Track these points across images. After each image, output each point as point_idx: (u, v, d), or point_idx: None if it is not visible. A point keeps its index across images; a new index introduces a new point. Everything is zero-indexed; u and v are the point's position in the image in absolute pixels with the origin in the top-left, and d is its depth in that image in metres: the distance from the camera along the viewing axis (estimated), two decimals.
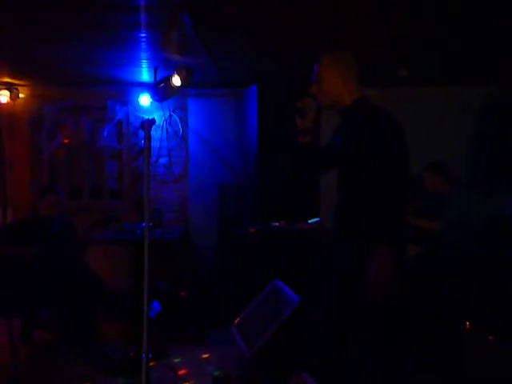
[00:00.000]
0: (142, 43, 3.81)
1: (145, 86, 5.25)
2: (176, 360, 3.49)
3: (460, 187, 4.16)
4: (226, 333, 3.44)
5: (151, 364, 2.32)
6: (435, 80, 5.06)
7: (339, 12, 3.09)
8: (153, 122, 1.96)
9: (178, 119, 5.51)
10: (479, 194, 4.36)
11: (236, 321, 3.34)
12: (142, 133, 5.59)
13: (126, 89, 5.39)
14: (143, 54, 4.17)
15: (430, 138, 4.96)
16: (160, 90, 4.47)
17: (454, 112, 5.11)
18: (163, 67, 4.41)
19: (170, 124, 5.52)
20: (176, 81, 4.29)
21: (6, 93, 5.10)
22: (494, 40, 3.69)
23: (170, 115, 5.49)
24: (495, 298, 3.93)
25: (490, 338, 3.73)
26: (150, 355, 2.46)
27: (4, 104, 5.12)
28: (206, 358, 3.60)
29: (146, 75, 4.96)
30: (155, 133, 5.45)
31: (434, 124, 5.12)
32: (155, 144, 5.45)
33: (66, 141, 5.49)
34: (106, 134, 5.43)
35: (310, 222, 4.46)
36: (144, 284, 1.69)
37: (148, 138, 1.90)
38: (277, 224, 4.40)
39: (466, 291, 3.91)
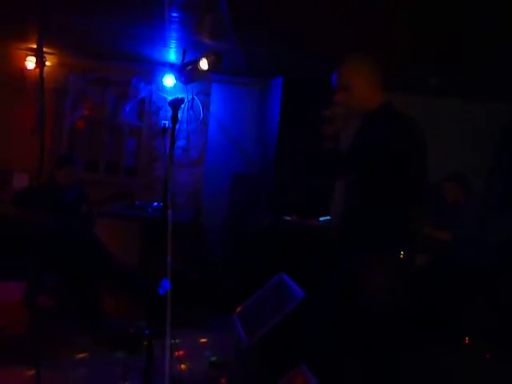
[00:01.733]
0: (174, 23, 3.80)
1: (171, 67, 5.25)
2: (174, 341, 3.51)
3: (476, 201, 4.13)
4: (227, 320, 3.46)
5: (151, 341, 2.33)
6: (464, 92, 5.00)
7: (372, 14, 3.07)
8: (182, 101, 1.97)
9: (200, 103, 5.51)
10: (494, 210, 4.33)
11: (238, 309, 3.35)
12: (163, 113, 5.62)
13: (152, 67, 5.40)
14: (174, 34, 4.15)
15: (452, 149, 4.94)
16: (186, 72, 4.50)
17: (480, 126, 5.04)
18: (192, 50, 4.41)
19: (192, 107, 5.52)
20: (203, 64, 4.31)
21: (34, 59, 5.13)
22: None
23: (193, 98, 5.49)
24: (496, 316, 3.91)
25: (488, 356, 3.71)
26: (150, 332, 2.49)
27: (31, 70, 5.15)
28: (204, 342, 3.63)
29: (173, 56, 4.95)
30: None
31: (458, 135, 5.07)
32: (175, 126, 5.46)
33: (88, 112, 5.53)
34: (127, 110, 5.46)
35: (321, 219, 4.46)
36: (167, 267, 1.71)
37: (175, 116, 1.90)
38: (288, 218, 4.40)
39: (468, 307, 3.90)
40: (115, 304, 4.01)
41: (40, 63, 4.81)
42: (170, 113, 5.65)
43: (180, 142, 5.54)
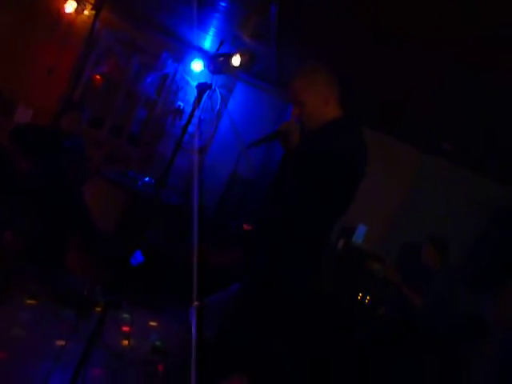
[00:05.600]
0: (220, 12, 3.81)
1: (203, 53, 5.26)
2: (125, 315, 3.48)
3: (451, 272, 4.07)
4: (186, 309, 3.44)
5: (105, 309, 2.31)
6: (476, 164, 5.03)
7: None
8: (209, 87, 1.96)
9: (219, 96, 5.51)
10: (465, 285, 4.33)
11: (196, 303, 3.33)
12: (181, 94, 5.58)
13: (185, 48, 5.40)
14: (216, 22, 4.17)
15: (446, 215, 4.98)
16: (217, 63, 4.51)
17: (476, 201, 5.08)
18: (229, 42, 4.42)
19: (211, 98, 5.52)
20: (236, 61, 4.33)
21: (74, 4, 5.10)
22: None
23: (215, 89, 5.50)
24: None
25: None
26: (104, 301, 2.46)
27: (68, 14, 5.13)
28: (153, 325, 3.60)
29: (208, 43, 4.97)
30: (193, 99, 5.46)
31: (455, 203, 5.10)
32: (189, 109, 5.46)
33: (109, 70, 5.50)
34: (148, 80, 5.45)
35: None
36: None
37: (199, 100, 1.90)
38: None
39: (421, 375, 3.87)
40: (78, 263, 3.96)
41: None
42: (190, 95, 5.59)
43: (189, 128, 5.53)
